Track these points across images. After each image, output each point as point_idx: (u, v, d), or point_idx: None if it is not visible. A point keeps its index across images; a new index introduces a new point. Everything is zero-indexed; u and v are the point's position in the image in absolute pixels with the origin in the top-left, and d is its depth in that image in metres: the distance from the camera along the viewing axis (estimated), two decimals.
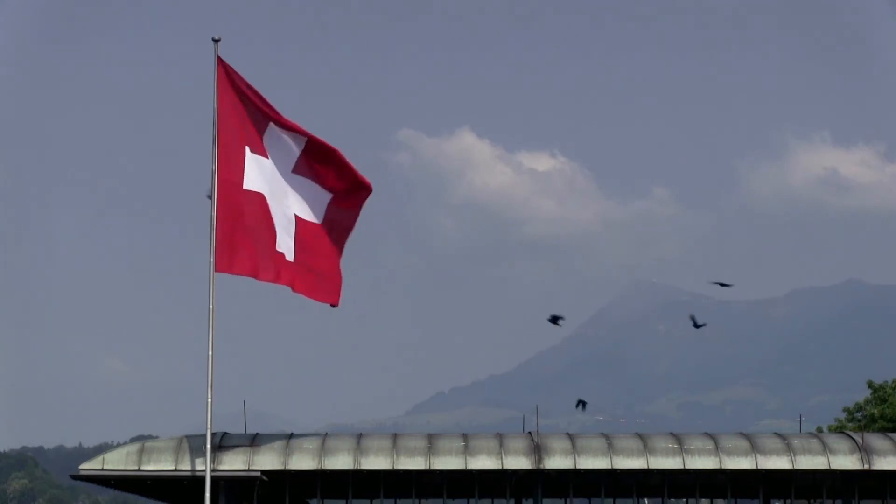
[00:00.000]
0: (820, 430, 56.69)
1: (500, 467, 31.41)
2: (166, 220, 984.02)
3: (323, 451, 31.06)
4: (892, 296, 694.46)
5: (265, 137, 28.24)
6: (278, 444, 31.23)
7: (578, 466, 31.51)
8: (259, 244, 27.79)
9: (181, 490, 32.00)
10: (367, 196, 28.96)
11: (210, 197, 27.50)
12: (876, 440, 32.81)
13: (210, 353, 27.45)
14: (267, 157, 28.24)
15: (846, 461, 31.90)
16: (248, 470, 30.51)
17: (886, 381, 62.97)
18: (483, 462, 31.41)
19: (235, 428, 32.86)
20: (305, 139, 28.51)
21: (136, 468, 30.52)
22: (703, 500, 38.54)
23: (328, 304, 28.79)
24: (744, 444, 32.24)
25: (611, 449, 31.83)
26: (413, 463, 31.25)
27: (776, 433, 33.57)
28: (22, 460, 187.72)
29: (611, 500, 35.40)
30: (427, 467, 31.29)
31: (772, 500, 36.79)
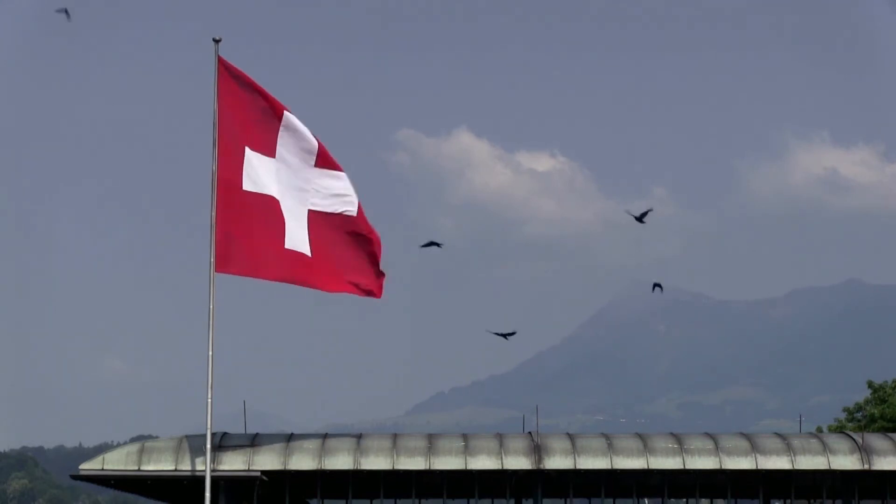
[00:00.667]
0: (820, 430, 56.66)
1: (500, 467, 31.41)
2: (166, 220, 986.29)
3: (323, 451, 31.05)
4: (892, 296, 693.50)
5: (281, 131, 28.03)
6: (278, 444, 31.24)
7: (578, 466, 31.51)
8: (262, 244, 27.72)
9: (181, 490, 32.00)
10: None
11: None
12: (876, 440, 32.81)
13: (210, 353, 27.43)
14: (273, 157, 28.09)
15: (846, 461, 31.90)
16: (248, 470, 30.51)
17: (886, 382, 62.91)
18: (483, 462, 31.41)
19: (235, 428, 32.87)
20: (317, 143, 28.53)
21: (136, 468, 30.53)
22: (703, 500, 38.51)
23: (370, 297, 28.60)
24: (744, 444, 32.25)
25: (611, 449, 31.83)
26: (413, 463, 31.25)
27: (776, 433, 33.58)
28: (22, 460, 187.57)
29: (611, 500, 35.38)
30: (427, 467, 31.29)
31: (772, 500, 36.79)
